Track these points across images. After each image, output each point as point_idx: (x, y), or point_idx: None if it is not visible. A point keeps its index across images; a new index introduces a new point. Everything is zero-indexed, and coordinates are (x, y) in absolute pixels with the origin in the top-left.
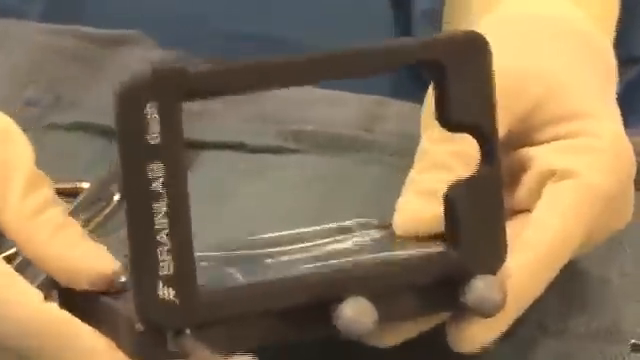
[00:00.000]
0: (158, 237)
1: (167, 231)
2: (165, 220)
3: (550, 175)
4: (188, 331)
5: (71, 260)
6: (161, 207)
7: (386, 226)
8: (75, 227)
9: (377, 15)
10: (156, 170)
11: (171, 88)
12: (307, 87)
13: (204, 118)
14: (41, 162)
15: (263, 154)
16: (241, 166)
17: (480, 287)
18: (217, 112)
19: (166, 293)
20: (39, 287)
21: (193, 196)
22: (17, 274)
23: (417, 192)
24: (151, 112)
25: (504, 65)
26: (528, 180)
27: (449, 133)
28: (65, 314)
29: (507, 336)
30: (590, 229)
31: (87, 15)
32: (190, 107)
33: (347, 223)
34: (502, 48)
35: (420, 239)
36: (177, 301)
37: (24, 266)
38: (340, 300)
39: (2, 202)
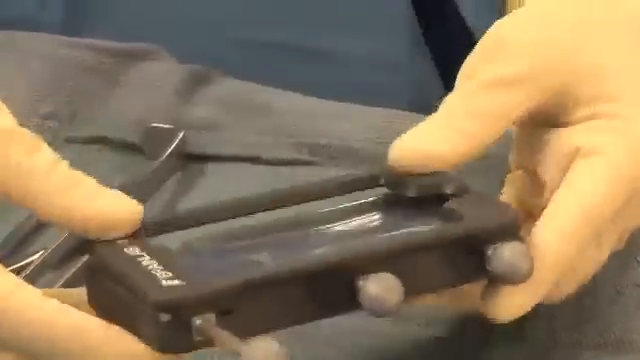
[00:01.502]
0: None
1: None
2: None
3: (575, 153)
4: (213, 318)
5: (100, 206)
6: None
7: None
8: (89, 179)
9: (396, 21)
10: None
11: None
12: (322, 100)
13: (218, 131)
14: None
15: (278, 167)
16: (256, 179)
17: (506, 255)
18: (232, 125)
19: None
20: None
21: None
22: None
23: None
24: None
25: (549, 37)
26: (555, 158)
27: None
28: (68, 309)
29: (520, 342)
30: (615, 210)
31: (103, 24)
32: (202, 119)
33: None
34: (551, 21)
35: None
36: (184, 284)
37: (35, 276)
38: (364, 275)
39: (8, 164)
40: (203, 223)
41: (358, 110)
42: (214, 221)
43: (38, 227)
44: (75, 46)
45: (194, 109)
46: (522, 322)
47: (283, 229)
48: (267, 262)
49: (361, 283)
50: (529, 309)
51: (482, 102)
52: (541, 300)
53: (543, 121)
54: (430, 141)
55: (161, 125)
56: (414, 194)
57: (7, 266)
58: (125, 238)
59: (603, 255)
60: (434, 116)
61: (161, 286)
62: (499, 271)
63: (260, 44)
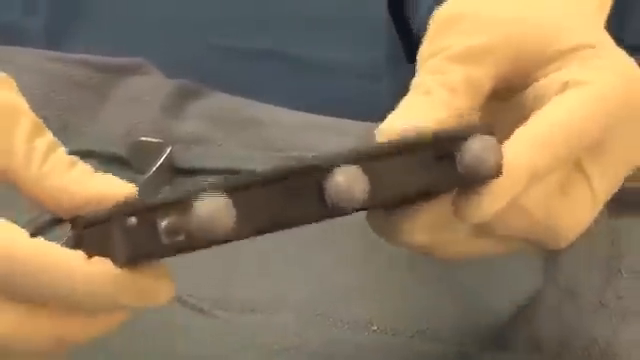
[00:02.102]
0: None
1: None
2: None
3: (563, 88)
4: (179, 220)
5: (93, 188)
6: None
7: None
8: (83, 164)
9: (376, 28)
10: None
11: None
12: (310, 114)
13: (207, 145)
14: None
15: None
16: None
17: (474, 147)
18: (217, 139)
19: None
20: None
21: None
22: None
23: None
24: None
25: (504, 17)
26: (541, 96)
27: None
28: (28, 240)
29: (503, 353)
30: (596, 138)
31: (86, 30)
32: (190, 133)
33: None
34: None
35: None
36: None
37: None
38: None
39: (10, 146)
40: None
41: (345, 123)
42: None
43: (35, 232)
44: (65, 61)
45: (182, 123)
46: (506, 332)
47: None
48: None
49: (328, 180)
50: (492, 212)
51: (455, 73)
52: (507, 203)
53: (506, 91)
54: (415, 115)
55: (149, 139)
56: None
57: None
58: None
59: (597, 199)
60: (410, 96)
61: (129, 202)
62: (468, 163)
63: (242, 51)
